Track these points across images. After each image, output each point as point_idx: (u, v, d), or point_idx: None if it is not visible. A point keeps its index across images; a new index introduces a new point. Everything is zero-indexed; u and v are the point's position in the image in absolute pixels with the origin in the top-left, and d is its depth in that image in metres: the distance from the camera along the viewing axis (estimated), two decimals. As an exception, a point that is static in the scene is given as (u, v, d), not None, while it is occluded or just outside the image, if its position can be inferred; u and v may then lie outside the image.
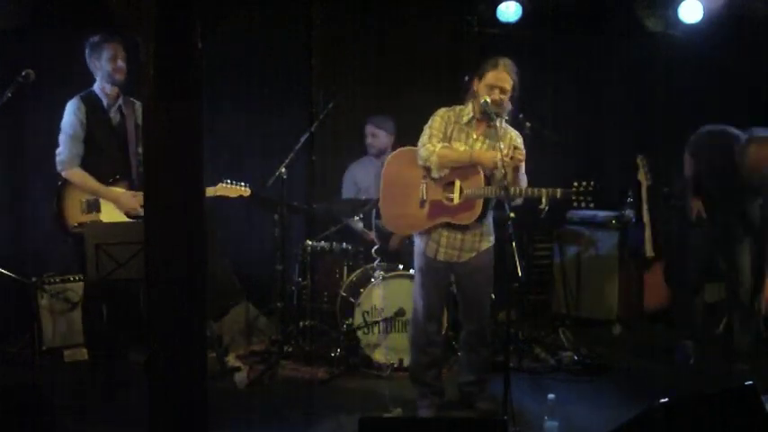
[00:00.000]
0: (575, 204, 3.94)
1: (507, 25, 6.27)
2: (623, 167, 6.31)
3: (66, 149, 4.36)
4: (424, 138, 4.13)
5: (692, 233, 5.14)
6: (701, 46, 6.20)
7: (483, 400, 4.32)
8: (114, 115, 4.48)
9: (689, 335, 5.25)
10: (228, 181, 4.78)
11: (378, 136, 5.72)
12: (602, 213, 6.30)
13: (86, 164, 4.42)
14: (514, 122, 5.15)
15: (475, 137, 4.13)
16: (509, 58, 4.19)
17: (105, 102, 4.44)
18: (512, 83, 4.05)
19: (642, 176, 5.90)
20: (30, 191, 5.60)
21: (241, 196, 4.80)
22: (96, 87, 4.45)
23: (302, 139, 5.39)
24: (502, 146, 3.93)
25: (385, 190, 4.33)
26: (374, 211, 5.28)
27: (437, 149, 4.05)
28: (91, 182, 4.38)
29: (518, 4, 6.17)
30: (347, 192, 5.94)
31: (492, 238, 4.24)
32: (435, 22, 6.46)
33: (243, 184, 4.81)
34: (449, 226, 4.12)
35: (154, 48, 2.86)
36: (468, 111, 4.14)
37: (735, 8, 5.88)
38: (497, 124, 4.02)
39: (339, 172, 6.16)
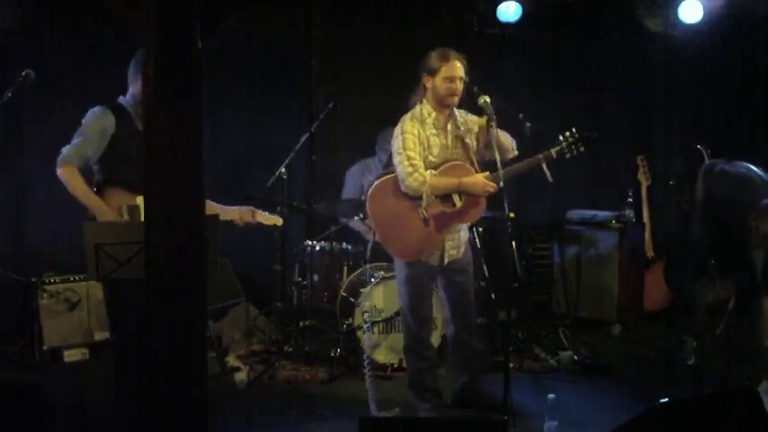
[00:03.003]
0: (567, 156, 4.01)
1: (507, 25, 6.28)
2: (623, 167, 6.31)
3: (72, 146, 4.22)
4: (406, 166, 4.01)
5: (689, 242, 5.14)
6: (700, 46, 6.21)
7: (479, 397, 4.34)
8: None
9: (690, 332, 5.25)
10: (264, 212, 4.57)
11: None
12: (602, 213, 6.30)
13: (118, 174, 4.20)
14: (515, 122, 5.17)
15: (445, 133, 4.13)
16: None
17: (133, 112, 4.23)
18: (464, 69, 4.08)
19: (642, 176, 5.90)
20: (30, 191, 5.60)
21: (275, 225, 4.57)
22: (123, 99, 4.26)
23: (302, 139, 5.40)
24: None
25: (381, 228, 4.22)
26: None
27: (427, 180, 4.01)
28: (81, 184, 4.12)
29: (518, 4, 6.18)
30: (348, 189, 5.94)
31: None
32: (435, 22, 6.46)
33: (277, 216, 4.60)
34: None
35: (154, 48, 2.85)
36: (427, 110, 4.12)
37: (735, 8, 5.88)
38: (493, 125, 4.03)
39: (339, 172, 6.16)
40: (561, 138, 4.00)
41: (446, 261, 4.15)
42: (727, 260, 4.99)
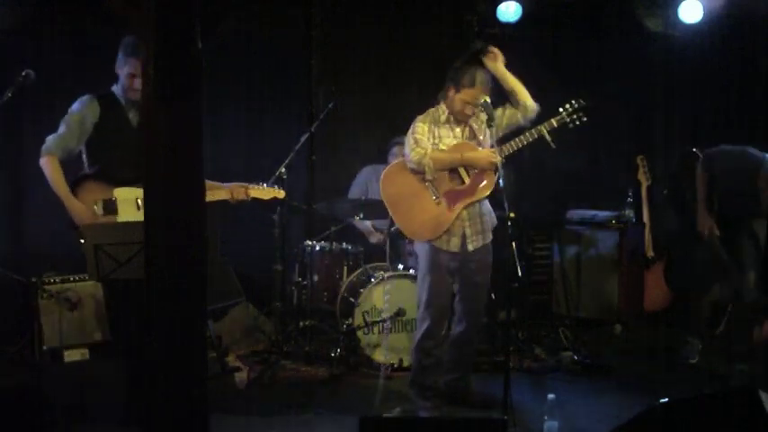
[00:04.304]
0: (570, 126, 4.15)
1: (507, 25, 6.27)
2: (623, 167, 6.31)
3: (56, 137, 4.19)
4: (410, 143, 4.17)
5: (695, 242, 5.15)
6: (700, 46, 6.21)
7: (470, 393, 4.40)
8: (134, 116, 4.27)
9: (695, 333, 5.26)
10: (261, 183, 4.65)
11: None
12: (602, 213, 6.30)
13: (98, 167, 4.23)
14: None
15: (460, 129, 4.24)
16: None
17: (124, 101, 4.26)
18: (485, 96, 4.14)
19: (642, 176, 5.91)
20: (30, 191, 5.60)
21: (275, 198, 4.66)
22: (115, 88, 4.27)
23: (302, 139, 5.40)
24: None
25: (394, 208, 4.31)
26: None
27: (428, 152, 4.11)
28: (59, 178, 4.15)
29: (518, 4, 6.17)
30: (354, 191, 5.94)
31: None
32: (435, 22, 6.46)
33: (276, 186, 4.69)
34: (468, 211, 4.16)
35: (154, 48, 2.86)
36: (443, 110, 4.24)
37: (735, 8, 5.88)
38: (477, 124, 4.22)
39: (339, 172, 6.16)
40: (562, 109, 4.12)
41: (470, 248, 4.18)
42: (732, 251, 5.00)
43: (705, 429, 2.72)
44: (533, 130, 4.12)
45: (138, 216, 4.20)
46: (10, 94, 4.23)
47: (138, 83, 4.14)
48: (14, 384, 4.64)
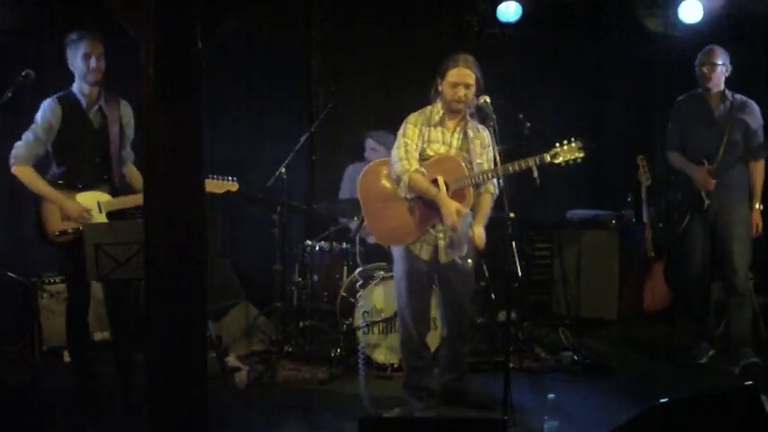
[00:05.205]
0: (563, 165, 3.95)
1: (507, 25, 6.28)
2: (623, 167, 6.32)
3: (24, 146, 4.24)
4: (400, 150, 4.06)
5: (692, 230, 5.13)
6: (700, 46, 6.20)
7: (468, 393, 4.38)
8: (94, 117, 4.28)
9: (704, 336, 5.26)
10: (214, 176, 4.55)
11: (378, 150, 5.69)
12: (602, 213, 6.30)
13: (65, 168, 4.24)
14: (515, 122, 5.17)
15: (450, 133, 4.15)
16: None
17: (84, 102, 4.25)
18: (474, 77, 4.06)
19: (642, 176, 5.91)
20: (29, 191, 5.60)
21: (229, 192, 4.58)
22: (75, 88, 4.27)
23: (302, 139, 5.40)
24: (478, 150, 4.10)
25: (367, 207, 4.25)
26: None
27: (411, 171, 4.00)
28: (39, 182, 4.20)
29: (518, 4, 6.18)
30: (344, 192, 5.95)
31: None
32: (435, 22, 6.46)
33: (230, 178, 4.60)
34: (443, 224, 4.08)
35: (154, 48, 2.86)
36: (437, 110, 4.14)
37: (735, 8, 5.89)
38: (470, 128, 4.14)
39: (339, 172, 6.17)
40: (558, 144, 3.95)
41: (442, 260, 4.11)
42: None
43: (705, 429, 2.72)
44: (522, 162, 3.94)
45: (101, 219, 4.27)
46: (10, 94, 4.25)
47: (94, 61, 4.20)
48: (14, 384, 4.64)
